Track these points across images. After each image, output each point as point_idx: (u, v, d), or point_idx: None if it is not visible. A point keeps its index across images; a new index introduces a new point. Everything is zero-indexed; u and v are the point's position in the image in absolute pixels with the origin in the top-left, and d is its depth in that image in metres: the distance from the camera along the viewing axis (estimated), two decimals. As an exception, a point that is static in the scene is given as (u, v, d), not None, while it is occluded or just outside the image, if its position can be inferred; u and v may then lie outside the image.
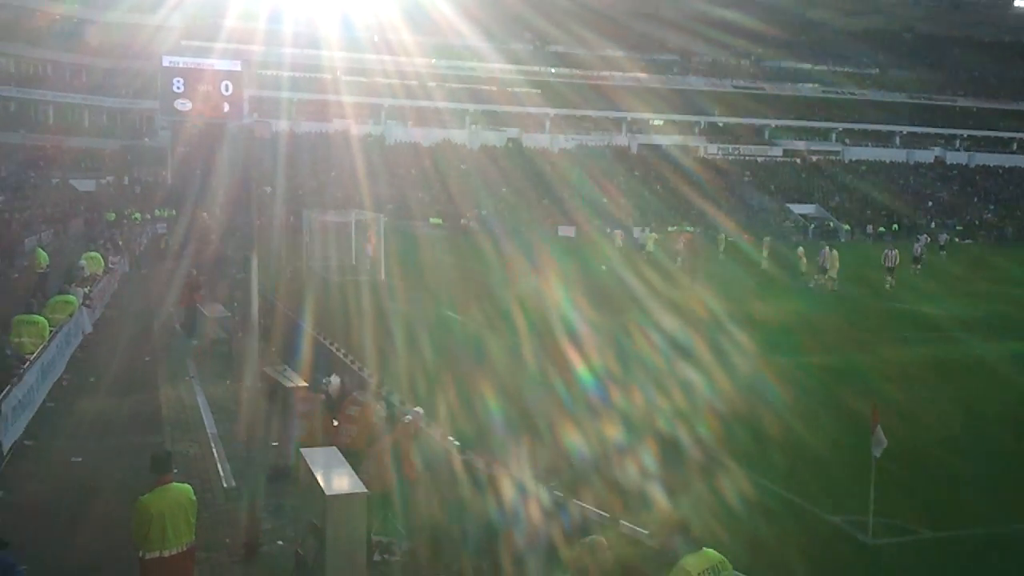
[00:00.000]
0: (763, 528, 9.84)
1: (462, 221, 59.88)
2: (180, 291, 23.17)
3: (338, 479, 8.97)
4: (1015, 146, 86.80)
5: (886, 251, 35.42)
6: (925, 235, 54.56)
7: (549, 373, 17.13)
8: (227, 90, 65.67)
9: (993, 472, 12.10)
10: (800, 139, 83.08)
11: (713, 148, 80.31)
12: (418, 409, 11.10)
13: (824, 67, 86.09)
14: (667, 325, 22.91)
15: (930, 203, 76.22)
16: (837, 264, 32.82)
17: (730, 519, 9.85)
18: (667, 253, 41.34)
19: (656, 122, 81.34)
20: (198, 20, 68.67)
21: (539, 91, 76.86)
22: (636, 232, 55.41)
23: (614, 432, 13.29)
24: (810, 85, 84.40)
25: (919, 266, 38.84)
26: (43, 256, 27.81)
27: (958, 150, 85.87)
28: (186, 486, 7.76)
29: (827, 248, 34.43)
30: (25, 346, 15.37)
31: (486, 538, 8.78)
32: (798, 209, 72.15)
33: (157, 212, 53.39)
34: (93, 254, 27.73)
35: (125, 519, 7.56)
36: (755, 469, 11.78)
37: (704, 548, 5.45)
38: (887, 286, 33.05)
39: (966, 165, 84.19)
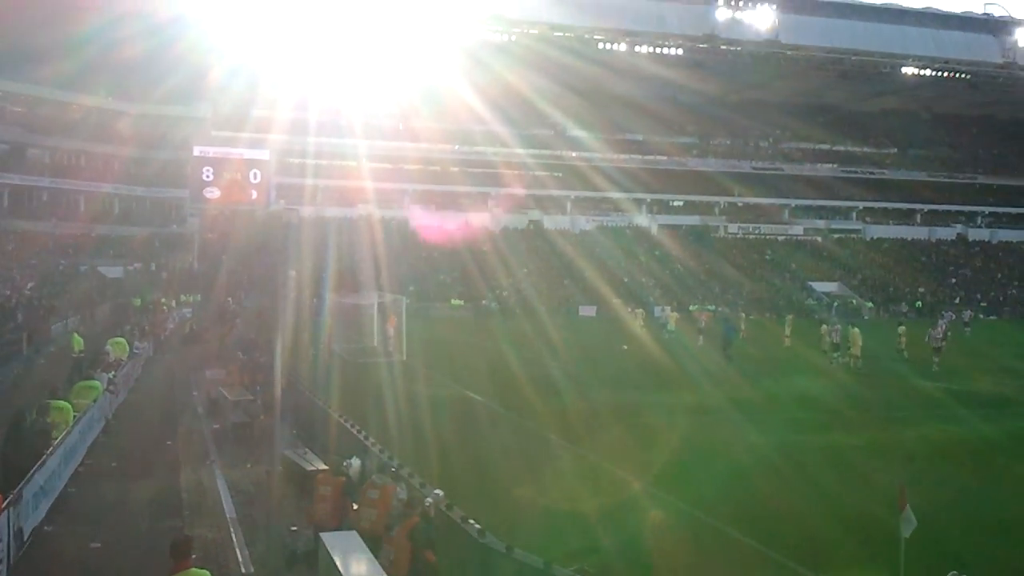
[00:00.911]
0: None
1: (483, 302, 60.13)
2: (231, 373, 23.31)
3: (357, 564, 8.90)
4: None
5: (929, 330, 34.78)
6: (951, 312, 54.04)
7: (568, 456, 16.98)
8: (255, 178, 67.32)
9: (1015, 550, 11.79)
10: (821, 218, 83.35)
11: (734, 228, 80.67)
12: (438, 492, 11.01)
13: (842, 147, 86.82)
14: (686, 401, 22.75)
15: (953, 280, 75.81)
16: (859, 342, 32.50)
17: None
18: (688, 332, 41.26)
19: (676, 203, 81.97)
20: (226, 110, 70.51)
21: (560, 174, 77.88)
22: (656, 311, 55.38)
23: (638, 512, 13.11)
24: (829, 165, 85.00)
25: (945, 343, 38.38)
26: (78, 341, 28.11)
27: (979, 227, 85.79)
28: (205, 572, 7.72)
29: (838, 326, 34.57)
30: (50, 430, 15.44)
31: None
32: (820, 287, 71.93)
33: (183, 297, 53.99)
34: (119, 339, 28.00)
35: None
36: (778, 549, 11.54)
37: None
38: (933, 368, 31.85)
39: (988, 241, 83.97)
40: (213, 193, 66.38)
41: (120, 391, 23.58)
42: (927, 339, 33.60)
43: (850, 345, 32.55)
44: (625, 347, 37.08)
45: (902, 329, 36.80)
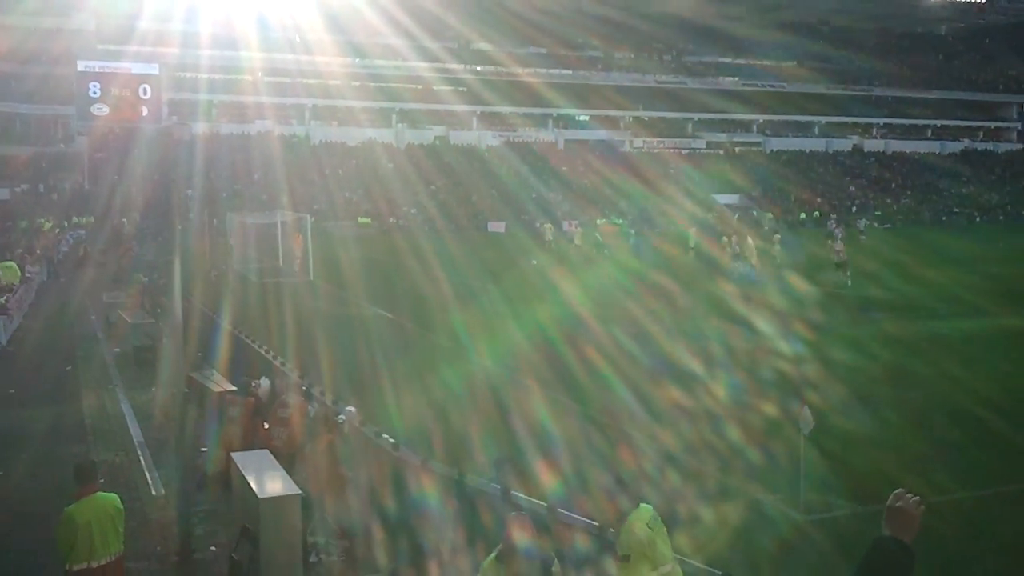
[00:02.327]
0: (696, 512, 9.98)
1: (391, 220, 59.55)
2: (129, 296, 22.51)
3: (270, 482, 8.86)
4: (929, 132, 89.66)
5: (829, 242, 34.67)
6: (832, 222, 55.39)
7: (481, 367, 17.12)
8: (145, 94, 64.31)
9: (925, 448, 12.44)
10: (723, 131, 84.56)
11: (639, 142, 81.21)
12: (350, 408, 11.01)
13: (743, 60, 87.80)
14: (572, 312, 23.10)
15: (852, 188, 78.27)
16: (754, 251, 33.41)
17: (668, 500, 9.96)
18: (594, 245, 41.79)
19: (582, 118, 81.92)
20: (111, 22, 66.92)
21: (464, 89, 76.78)
22: (564, 226, 55.76)
23: (542, 417, 13.35)
24: (731, 79, 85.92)
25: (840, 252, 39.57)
26: None
27: (875, 138, 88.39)
28: (112, 495, 7.60)
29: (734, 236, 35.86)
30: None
31: (421, 534, 8.76)
32: (723, 199, 73.37)
33: (75, 219, 51.92)
34: (8, 263, 26.91)
35: (51, 532, 7.36)
36: (689, 452, 11.94)
37: (641, 503, 5.94)
38: (846, 285, 30.62)
39: (883, 152, 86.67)
40: (101, 110, 63.26)
41: (14, 316, 22.72)
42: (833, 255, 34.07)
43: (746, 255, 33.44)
44: (535, 262, 37.27)
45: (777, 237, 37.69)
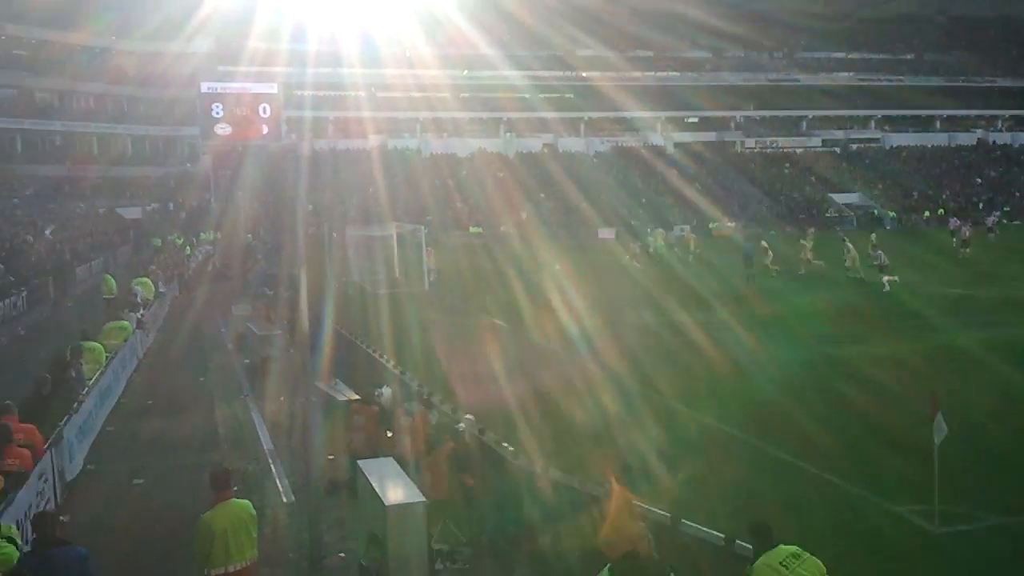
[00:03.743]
0: (827, 520, 9.74)
1: (501, 228, 59.98)
2: (260, 309, 23.41)
3: (396, 489, 9.04)
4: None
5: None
6: (955, 218, 52.68)
7: (596, 377, 17.08)
8: (265, 112, 66.74)
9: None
10: (839, 128, 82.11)
11: (751, 142, 79.68)
12: (469, 416, 11.16)
13: (858, 55, 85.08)
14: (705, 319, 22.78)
15: (979, 180, 74.87)
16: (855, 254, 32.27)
17: (794, 513, 9.76)
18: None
19: (691, 120, 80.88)
20: (230, 44, 69.63)
21: (571, 96, 76.83)
22: (677, 231, 55.09)
23: (662, 429, 13.25)
24: (845, 74, 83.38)
25: (967, 250, 38.03)
26: (110, 282, 28.35)
27: (1000, 130, 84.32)
28: (246, 502, 7.85)
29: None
30: (84, 372, 15.68)
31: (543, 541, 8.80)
32: (841, 199, 71.22)
33: (202, 235, 54.19)
34: (144, 279, 28.24)
35: (188, 538, 7.66)
36: (816, 462, 11.65)
37: (779, 544, 5.85)
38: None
39: (1009, 145, 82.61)
40: (224, 130, 65.95)
41: (149, 331, 23.86)
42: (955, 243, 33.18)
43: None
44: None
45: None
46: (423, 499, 8.79)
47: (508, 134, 76.65)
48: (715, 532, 8.00)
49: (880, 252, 30.91)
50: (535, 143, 76.44)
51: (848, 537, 9.35)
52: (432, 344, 20.25)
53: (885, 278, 29.23)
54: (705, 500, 10.07)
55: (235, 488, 8.21)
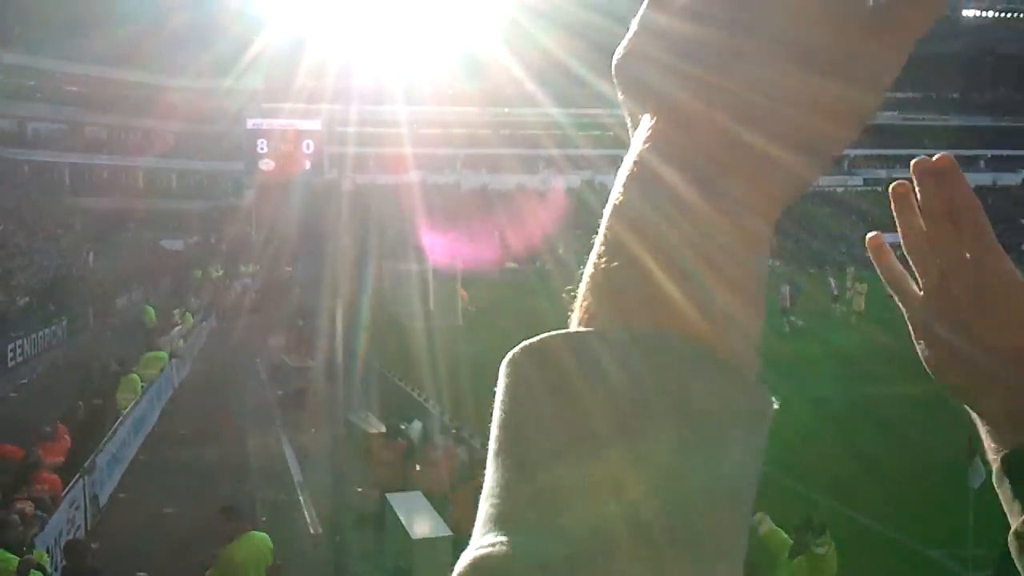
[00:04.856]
0: (860, 562, 9.48)
1: (537, 264, 60.00)
2: (287, 340, 23.58)
3: (423, 523, 8.99)
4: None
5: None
6: None
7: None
8: (308, 148, 67.86)
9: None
10: (882, 167, 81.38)
11: (791, 181, 79.32)
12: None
13: (903, 94, 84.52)
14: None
15: (1023, 222, 73.86)
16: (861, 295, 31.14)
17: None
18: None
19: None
20: (275, 82, 70.95)
21: (612, 133, 77.12)
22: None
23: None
24: (889, 112, 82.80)
25: None
26: (151, 313, 28.74)
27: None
28: (264, 535, 7.82)
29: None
30: (119, 401, 15.85)
31: None
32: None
33: (242, 268, 54.86)
34: (183, 311, 28.59)
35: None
36: (847, 502, 11.39)
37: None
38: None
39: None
40: (268, 165, 67.09)
41: (186, 361, 24.09)
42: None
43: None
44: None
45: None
46: (450, 533, 8.72)
47: (546, 171, 76.97)
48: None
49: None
50: (574, 179, 76.69)
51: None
52: (466, 378, 20.19)
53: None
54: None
55: (264, 519, 8.20)
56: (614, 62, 0.50)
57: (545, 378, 0.41)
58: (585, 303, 0.45)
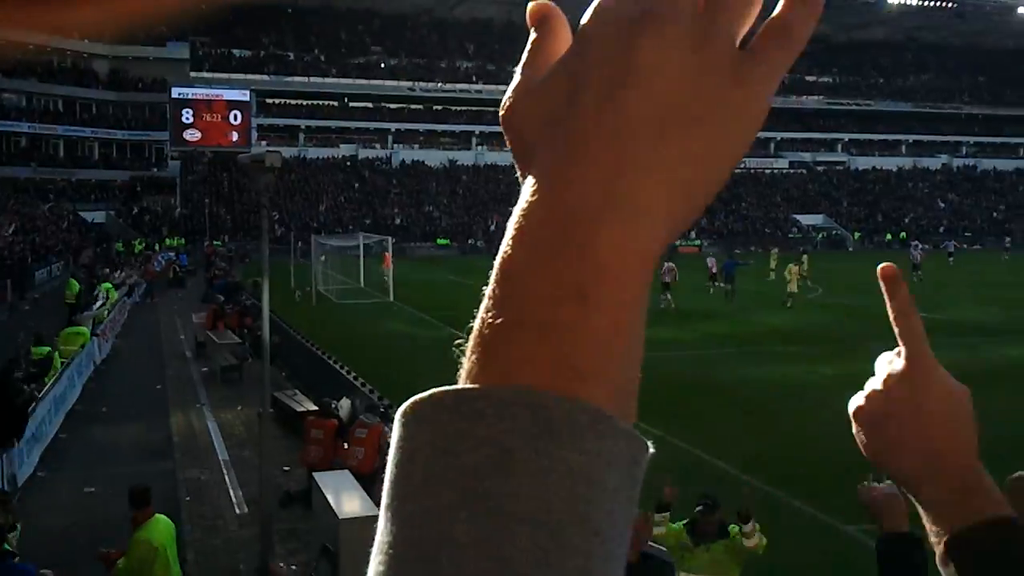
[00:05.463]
0: (777, 538, 9.79)
1: (469, 240, 60.08)
2: (205, 317, 23.18)
3: (350, 502, 9.00)
4: (1022, 151, 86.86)
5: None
6: (917, 242, 53.04)
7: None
8: (236, 119, 66.51)
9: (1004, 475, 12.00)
10: (806, 151, 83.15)
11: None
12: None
13: (826, 78, 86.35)
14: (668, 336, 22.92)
15: (942, 205, 76.29)
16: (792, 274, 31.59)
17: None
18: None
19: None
20: (203, 50, 69.35)
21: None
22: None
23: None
24: (813, 97, 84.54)
25: (919, 272, 38.30)
26: (74, 286, 27.94)
27: (964, 156, 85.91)
28: (166, 518, 7.70)
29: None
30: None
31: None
32: (806, 220, 72.13)
33: (167, 241, 53.73)
34: (107, 284, 27.95)
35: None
36: (765, 479, 11.73)
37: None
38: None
39: (973, 167, 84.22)
40: (194, 135, 65.64)
41: (108, 336, 23.58)
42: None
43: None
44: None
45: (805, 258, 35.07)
46: (377, 513, 8.76)
47: (480, 147, 76.82)
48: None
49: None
50: (507, 156, 76.63)
51: (799, 555, 9.41)
52: (394, 355, 20.20)
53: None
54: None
55: (188, 499, 8.13)
56: (500, 113, 0.52)
57: (429, 435, 0.43)
58: (473, 357, 0.46)
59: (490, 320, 0.46)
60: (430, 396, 0.44)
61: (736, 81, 0.49)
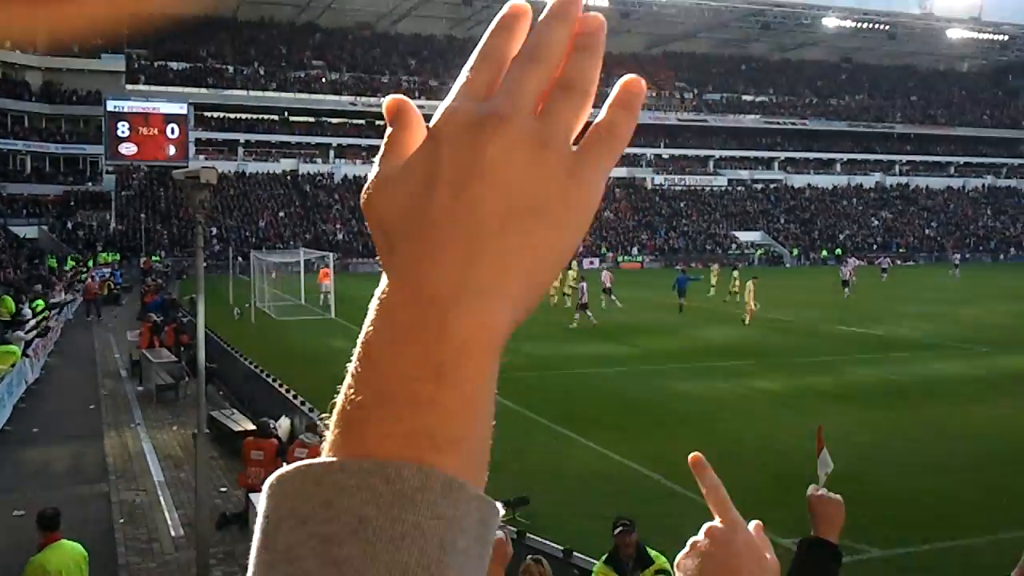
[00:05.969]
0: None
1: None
2: (140, 335, 22.72)
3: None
4: (952, 169, 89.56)
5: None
6: (853, 258, 54.32)
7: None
8: (173, 133, 65.41)
9: (936, 489, 12.32)
10: (744, 168, 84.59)
11: (660, 179, 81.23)
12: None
13: (763, 97, 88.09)
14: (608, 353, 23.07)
15: (875, 222, 78.23)
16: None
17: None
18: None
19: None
20: (140, 63, 68.27)
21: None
22: (585, 263, 55.86)
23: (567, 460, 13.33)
24: (752, 116, 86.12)
25: (848, 289, 38.89)
26: (9, 303, 27.13)
27: (897, 175, 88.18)
28: (77, 544, 7.52)
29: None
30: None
31: None
32: (745, 236, 73.35)
33: (101, 257, 52.59)
34: (38, 302, 27.27)
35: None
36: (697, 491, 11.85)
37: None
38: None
39: (906, 185, 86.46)
40: (130, 149, 64.43)
41: (41, 354, 23.00)
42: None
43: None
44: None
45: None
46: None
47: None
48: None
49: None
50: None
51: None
52: (335, 373, 19.98)
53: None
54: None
55: (122, 520, 7.94)
56: (361, 201, 0.57)
57: (292, 505, 0.48)
58: (336, 431, 0.51)
59: (352, 396, 0.51)
60: (295, 469, 0.48)
61: (571, 175, 0.54)
